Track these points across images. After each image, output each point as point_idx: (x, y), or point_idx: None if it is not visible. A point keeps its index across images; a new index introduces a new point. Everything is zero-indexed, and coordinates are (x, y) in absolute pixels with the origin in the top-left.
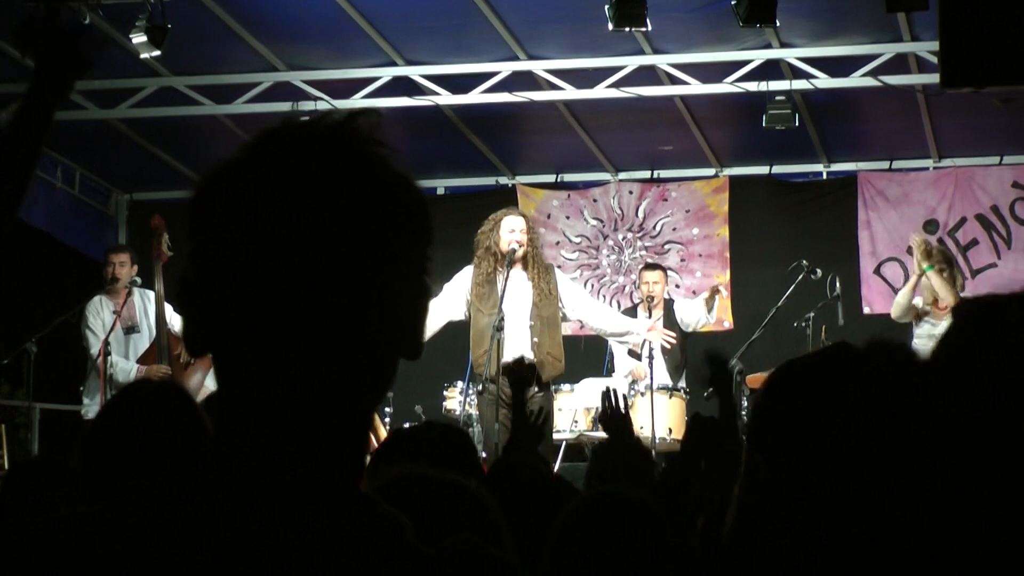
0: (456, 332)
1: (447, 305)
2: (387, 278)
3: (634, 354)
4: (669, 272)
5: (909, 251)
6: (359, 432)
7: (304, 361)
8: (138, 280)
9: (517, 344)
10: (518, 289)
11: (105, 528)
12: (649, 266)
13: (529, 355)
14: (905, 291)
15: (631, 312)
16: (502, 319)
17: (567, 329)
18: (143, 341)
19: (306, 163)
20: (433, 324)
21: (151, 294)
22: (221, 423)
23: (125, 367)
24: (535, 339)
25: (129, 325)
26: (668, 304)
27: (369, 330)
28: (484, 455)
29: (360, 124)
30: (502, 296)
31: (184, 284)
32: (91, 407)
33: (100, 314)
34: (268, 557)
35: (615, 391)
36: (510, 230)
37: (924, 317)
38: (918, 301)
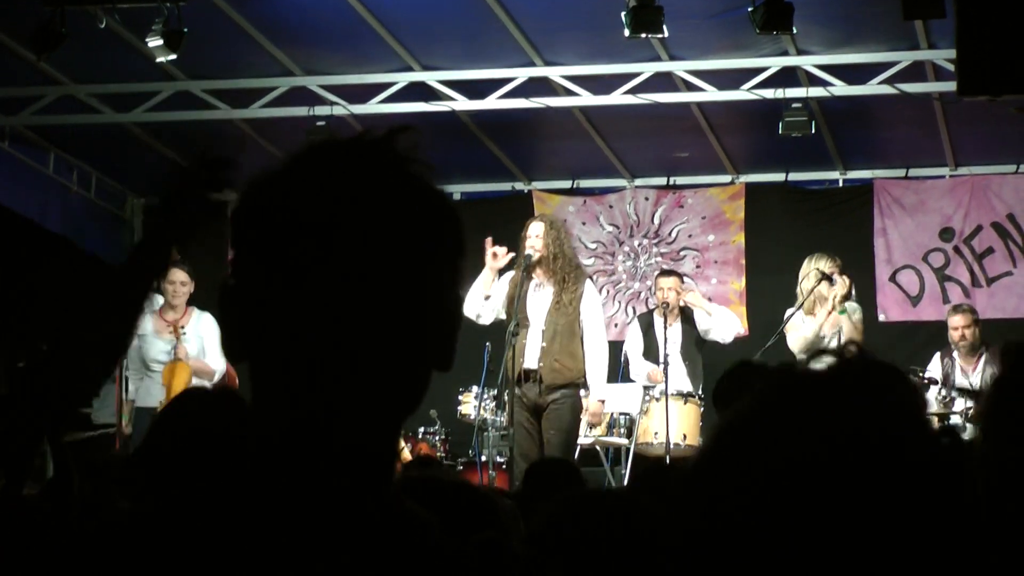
0: (471, 337)
1: (498, 299)
2: (422, 292)
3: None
4: (685, 279)
5: (925, 258)
6: (391, 439)
7: (340, 371)
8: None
9: (532, 349)
10: (541, 295)
11: (152, 529)
12: (664, 272)
13: (535, 362)
14: (815, 328)
15: (648, 316)
16: (517, 324)
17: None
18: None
19: (346, 178)
20: (473, 299)
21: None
22: (256, 428)
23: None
24: (543, 344)
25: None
26: (685, 311)
27: (404, 342)
28: (484, 458)
29: (399, 141)
30: (517, 301)
31: (225, 292)
32: (101, 410)
33: None
34: (302, 555)
35: None
36: (528, 236)
37: (819, 341)
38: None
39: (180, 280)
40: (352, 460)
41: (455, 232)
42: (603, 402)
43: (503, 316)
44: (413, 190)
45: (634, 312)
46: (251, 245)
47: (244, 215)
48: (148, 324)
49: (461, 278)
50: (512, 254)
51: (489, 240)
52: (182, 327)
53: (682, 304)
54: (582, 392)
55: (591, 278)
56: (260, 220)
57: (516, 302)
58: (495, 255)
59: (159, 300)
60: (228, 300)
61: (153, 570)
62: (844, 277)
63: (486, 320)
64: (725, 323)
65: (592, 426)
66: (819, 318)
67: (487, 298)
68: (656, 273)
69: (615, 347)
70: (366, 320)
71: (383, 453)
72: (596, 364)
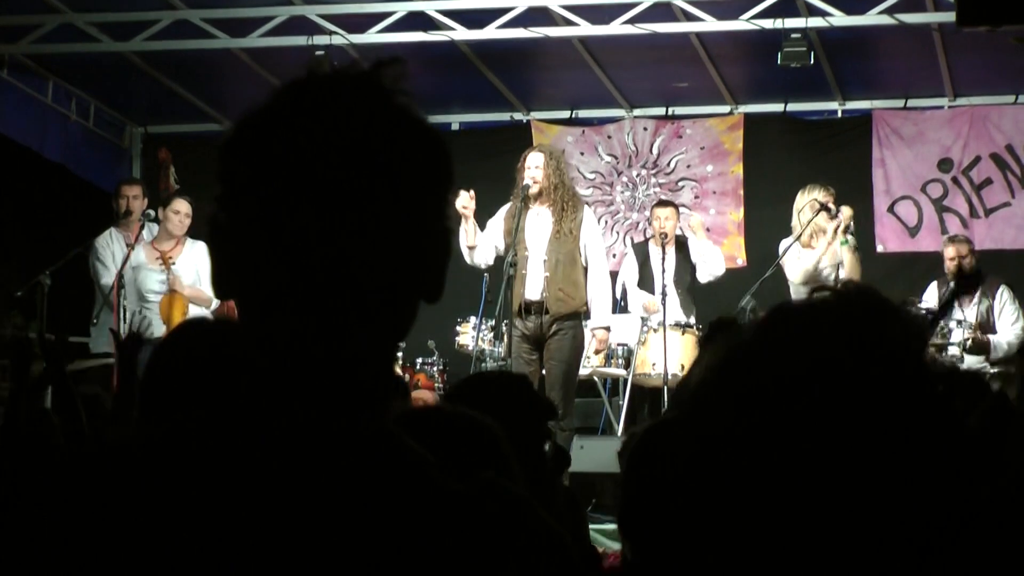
0: (470, 267)
1: (490, 238)
2: (409, 222)
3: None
4: (682, 209)
5: (923, 189)
6: (383, 369)
7: (328, 302)
8: (151, 213)
9: (533, 280)
10: (540, 225)
11: (146, 457)
12: (661, 203)
13: (538, 292)
14: (814, 260)
15: (643, 246)
16: (515, 255)
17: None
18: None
19: (332, 112)
20: (481, 256)
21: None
22: (247, 362)
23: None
24: (547, 274)
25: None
26: (681, 241)
27: (391, 272)
28: None
29: (385, 73)
30: (516, 232)
31: (214, 227)
32: (99, 340)
33: (110, 246)
34: (296, 489)
35: None
36: (527, 167)
37: (817, 270)
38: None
39: (184, 211)
40: (342, 390)
41: (442, 162)
42: (609, 330)
43: (502, 252)
44: (399, 121)
45: (631, 241)
46: (238, 179)
47: (231, 150)
48: (141, 255)
49: (448, 208)
50: (473, 198)
51: (459, 193)
52: (171, 259)
53: (678, 233)
54: (584, 322)
55: (589, 206)
56: (247, 154)
57: (516, 233)
58: (464, 207)
59: (155, 229)
60: (217, 234)
61: (144, 497)
62: (847, 208)
63: (483, 263)
64: (710, 264)
65: (598, 352)
66: (819, 250)
67: (472, 248)
68: (653, 203)
69: (611, 277)
70: (353, 251)
71: (374, 383)
72: (601, 292)
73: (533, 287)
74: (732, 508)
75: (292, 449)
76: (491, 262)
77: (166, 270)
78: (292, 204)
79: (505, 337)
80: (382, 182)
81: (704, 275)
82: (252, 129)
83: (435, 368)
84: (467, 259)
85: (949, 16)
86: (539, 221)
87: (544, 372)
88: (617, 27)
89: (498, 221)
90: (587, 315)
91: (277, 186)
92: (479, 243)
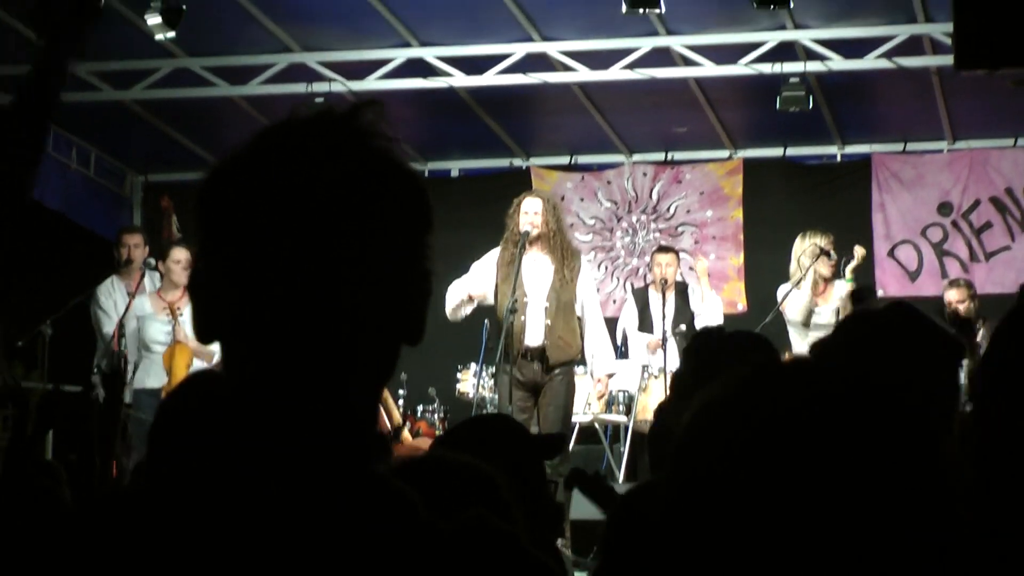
0: (470, 314)
1: (473, 284)
2: (387, 266)
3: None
4: (682, 255)
5: (923, 233)
6: (366, 414)
7: (309, 348)
8: (151, 262)
9: (533, 326)
10: (539, 271)
11: (138, 507)
12: (662, 248)
13: (540, 338)
14: (807, 293)
15: (643, 292)
16: (515, 301)
17: (580, 311)
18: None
19: (310, 157)
20: (455, 299)
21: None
22: (230, 408)
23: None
24: (548, 322)
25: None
26: (681, 287)
27: (371, 315)
28: None
29: (363, 117)
30: (516, 277)
31: (194, 273)
32: (101, 388)
33: (112, 295)
34: (280, 533)
35: None
36: (525, 212)
37: (814, 310)
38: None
39: (184, 260)
40: (324, 435)
41: (421, 204)
42: (612, 376)
43: (490, 301)
44: (376, 164)
45: (631, 287)
46: (217, 226)
47: (209, 196)
48: (146, 304)
49: (429, 251)
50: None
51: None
52: (178, 309)
53: (679, 279)
54: (579, 369)
55: (584, 254)
56: (224, 200)
57: (515, 278)
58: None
59: (156, 278)
60: (197, 282)
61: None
62: (860, 248)
63: (462, 317)
64: (707, 314)
65: (601, 397)
66: (807, 284)
67: (464, 303)
68: (653, 249)
69: (611, 323)
70: (333, 296)
71: (356, 428)
72: (603, 339)
73: (534, 334)
74: (715, 565)
75: (273, 499)
76: (467, 313)
77: (173, 320)
78: (268, 249)
79: (497, 382)
80: (359, 225)
81: (702, 324)
82: (228, 174)
83: (436, 415)
84: (449, 314)
85: (947, 60)
86: (536, 267)
87: (540, 417)
88: (616, 72)
89: (486, 268)
90: (580, 362)
91: (253, 231)
92: (473, 302)
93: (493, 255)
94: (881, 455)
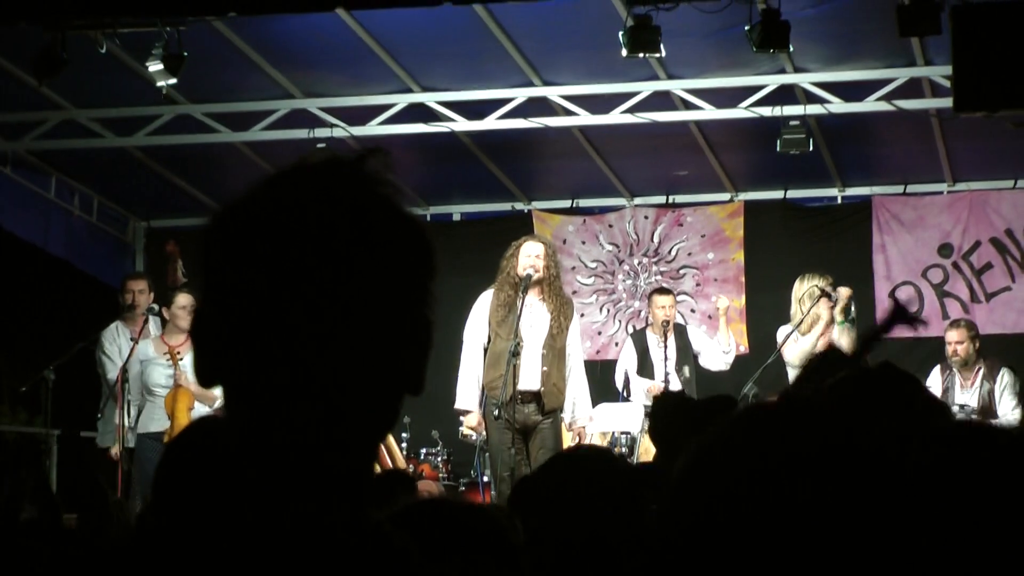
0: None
1: (477, 337)
2: (389, 313)
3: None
4: (685, 297)
5: (924, 274)
6: (364, 462)
7: (309, 397)
8: (155, 307)
9: (529, 371)
10: (536, 317)
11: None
12: (661, 291)
13: (537, 383)
14: (812, 340)
15: (641, 335)
16: (519, 344)
17: (584, 355)
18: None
19: (315, 204)
20: (468, 388)
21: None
22: (229, 453)
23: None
24: (544, 368)
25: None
26: (680, 329)
27: (373, 366)
28: (487, 479)
29: (368, 164)
30: (518, 321)
31: (197, 317)
32: (106, 435)
33: (116, 340)
34: None
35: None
36: (527, 255)
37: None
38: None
39: (188, 305)
40: (322, 484)
41: (424, 252)
42: (591, 420)
43: (485, 343)
44: (381, 212)
45: (633, 329)
46: (222, 271)
47: (213, 242)
48: (149, 349)
49: (431, 298)
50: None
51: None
52: (179, 354)
53: (678, 321)
54: (562, 415)
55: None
56: (229, 246)
57: (517, 322)
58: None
59: (160, 323)
60: (199, 325)
61: None
62: (844, 288)
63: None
64: (714, 358)
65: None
66: (816, 331)
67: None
68: (650, 291)
69: (611, 366)
70: (334, 344)
71: (354, 478)
72: (584, 389)
73: (530, 378)
74: None
75: (268, 546)
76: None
77: (174, 365)
78: (271, 296)
79: (490, 424)
80: (362, 273)
81: (705, 364)
82: (233, 219)
83: (439, 458)
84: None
85: (946, 102)
86: (532, 312)
87: (531, 462)
88: (617, 116)
89: (480, 311)
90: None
91: (256, 277)
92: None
93: (484, 298)
94: (874, 500)
